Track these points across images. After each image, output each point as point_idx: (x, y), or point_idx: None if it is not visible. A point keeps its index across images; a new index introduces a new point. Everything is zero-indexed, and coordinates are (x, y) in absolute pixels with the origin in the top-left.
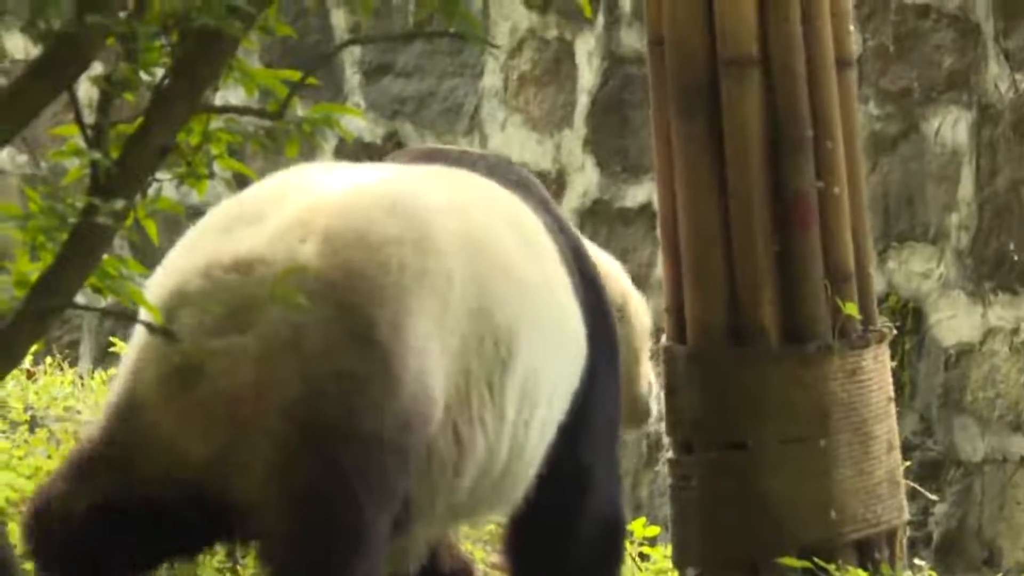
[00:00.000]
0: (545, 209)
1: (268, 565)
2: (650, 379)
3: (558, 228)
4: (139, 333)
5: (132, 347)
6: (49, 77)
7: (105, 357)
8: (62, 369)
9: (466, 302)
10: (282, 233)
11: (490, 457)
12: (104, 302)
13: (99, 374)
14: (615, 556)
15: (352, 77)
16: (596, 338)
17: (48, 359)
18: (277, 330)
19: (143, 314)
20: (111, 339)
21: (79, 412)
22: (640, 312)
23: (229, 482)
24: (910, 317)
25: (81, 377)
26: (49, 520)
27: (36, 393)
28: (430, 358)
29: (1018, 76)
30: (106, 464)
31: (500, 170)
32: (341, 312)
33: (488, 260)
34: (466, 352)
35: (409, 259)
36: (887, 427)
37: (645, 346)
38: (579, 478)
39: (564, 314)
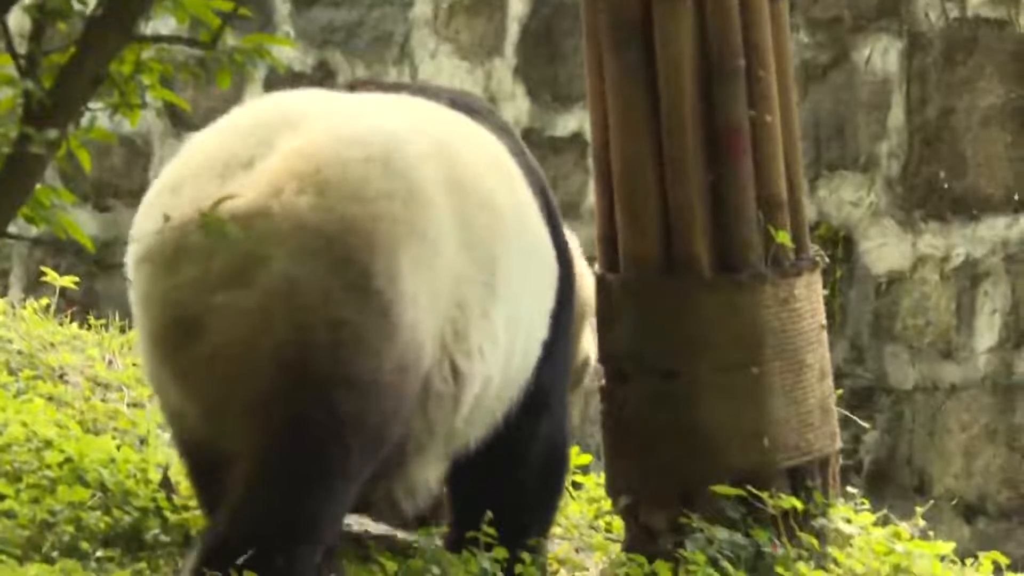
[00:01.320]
0: (509, 137)
1: (234, 503)
2: (588, 353)
3: (521, 154)
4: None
5: (135, 307)
6: None
7: (36, 286)
8: None
9: (454, 243)
10: (278, 184)
11: (486, 384)
12: (35, 231)
13: (30, 303)
14: (559, 484)
15: (282, 7)
16: (562, 262)
17: None
18: (275, 284)
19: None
20: (42, 268)
21: (10, 342)
22: (587, 283)
23: (224, 436)
24: (841, 245)
25: (13, 306)
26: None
27: None
28: (422, 305)
29: (948, 4)
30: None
31: (464, 102)
32: (337, 264)
33: (471, 198)
34: (459, 289)
35: (401, 212)
36: (819, 355)
37: (588, 317)
38: (539, 402)
39: (537, 238)
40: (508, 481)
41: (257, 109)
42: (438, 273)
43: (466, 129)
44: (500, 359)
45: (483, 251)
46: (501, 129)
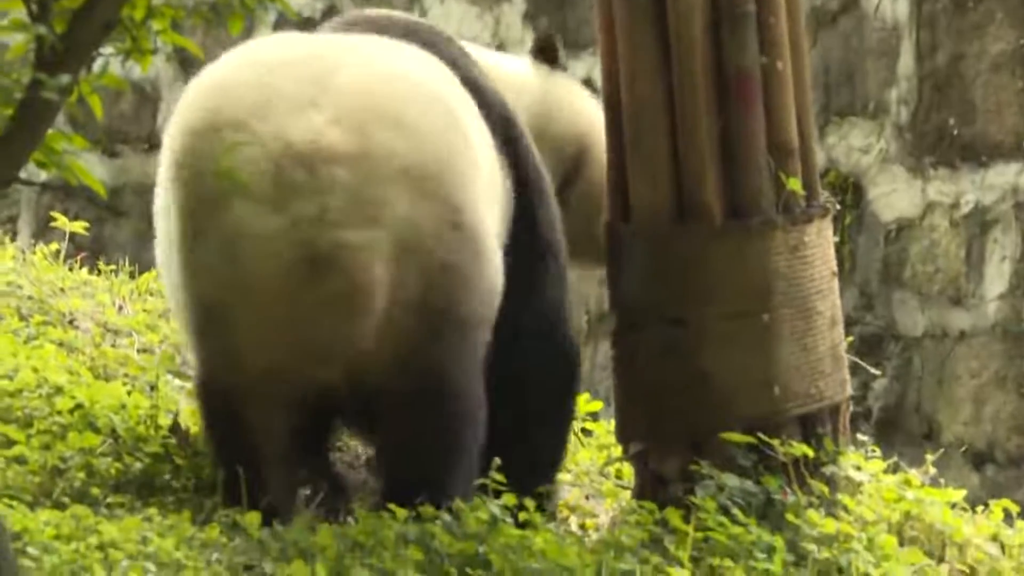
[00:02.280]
0: (465, 67)
1: (390, 444)
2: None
3: (477, 85)
4: (195, 221)
5: (200, 242)
6: None
7: (44, 232)
8: (2, 244)
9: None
10: (359, 123)
11: None
12: (44, 176)
13: (40, 249)
14: (562, 415)
15: None
16: (524, 190)
17: None
18: (404, 227)
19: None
20: (51, 214)
21: (20, 287)
22: (599, 154)
23: (348, 365)
24: (850, 192)
25: (23, 252)
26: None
27: None
28: (493, 232)
29: None
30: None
31: (416, 34)
32: (439, 202)
33: (482, 142)
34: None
35: (462, 143)
36: (830, 302)
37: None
38: (523, 329)
39: (493, 167)
40: (511, 415)
41: (278, 45)
42: (489, 205)
43: (442, 68)
44: None
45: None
46: (455, 59)
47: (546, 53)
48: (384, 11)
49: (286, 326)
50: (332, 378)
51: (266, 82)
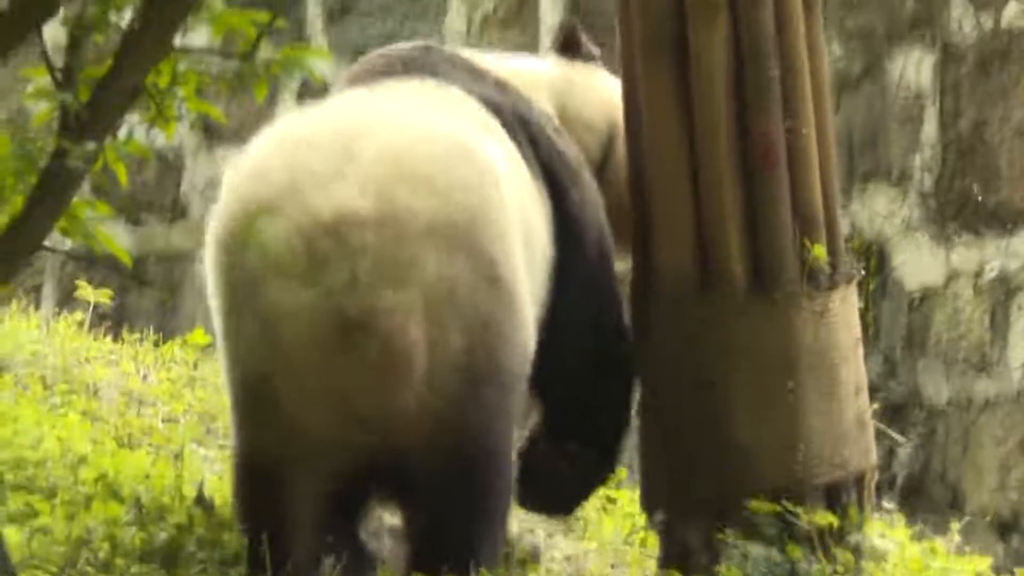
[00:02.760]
0: (474, 89)
1: (423, 507)
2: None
3: (498, 106)
4: (236, 301)
5: (242, 322)
6: (20, 19)
7: (68, 301)
8: (27, 314)
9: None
10: (386, 188)
11: None
12: (68, 245)
13: (64, 318)
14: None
15: (315, 18)
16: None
17: (13, 303)
18: (437, 285)
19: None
20: (75, 283)
21: (45, 356)
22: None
23: (389, 429)
24: (874, 259)
25: (47, 321)
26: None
27: (2, 338)
28: (525, 283)
29: (982, 15)
30: (264, 471)
31: (424, 63)
32: (475, 258)
33: (514, 180)
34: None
35: (495, 195)
36: (854, 370)
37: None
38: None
39: (529, 195)
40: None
41: (306, 123)
42: (520, 246)
43: (472, 107)
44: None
45: (526, 228)
46: (465, 81)
47: (569, 45)
48: (390, 49)
49: (327, 395)
50: (373, 442)
51: (296, 163)
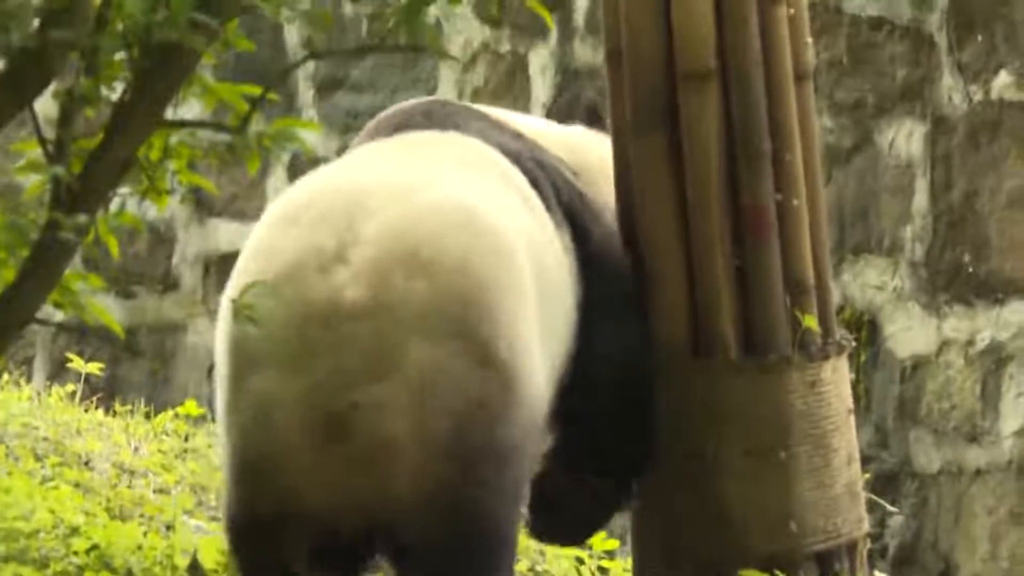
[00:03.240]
0: (511, 137)
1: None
2: None
3: (532, 159)
4: (236, 378)
5: (238, 402)
6: (12, 92)
7: (59, 373)
8: (19, 385)
9: (535, 293)
10: (384, 272)
11: None
12: (59, 317)
13: (56, 390)
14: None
15: (305, 91)
16: (585, 250)
17: (5, 375)
18: (421, 374)
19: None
20: (67, 355)
21: (36, 428)
22: None
23: (382, 518)
24: (865, 329)
25: (39, 393)
26: None
27: None
28: (535, 356)
29: (972, 88)
30: (258, 531)
31: (455, 116)
32: (464, 341)
33: (531, 246)
34: (542, 340)
35: (499, 274)
36: (847, 439)
37: None
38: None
39: (550, 261)
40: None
41: (310, 196)
42: (533, 319)
43: (491, 162)
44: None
45: (542, 297)
46: (486, 133)
47: (592, 117)
48: (410, 103)
49: (320, 478)
50: (364, 525)
51: (301, 243)
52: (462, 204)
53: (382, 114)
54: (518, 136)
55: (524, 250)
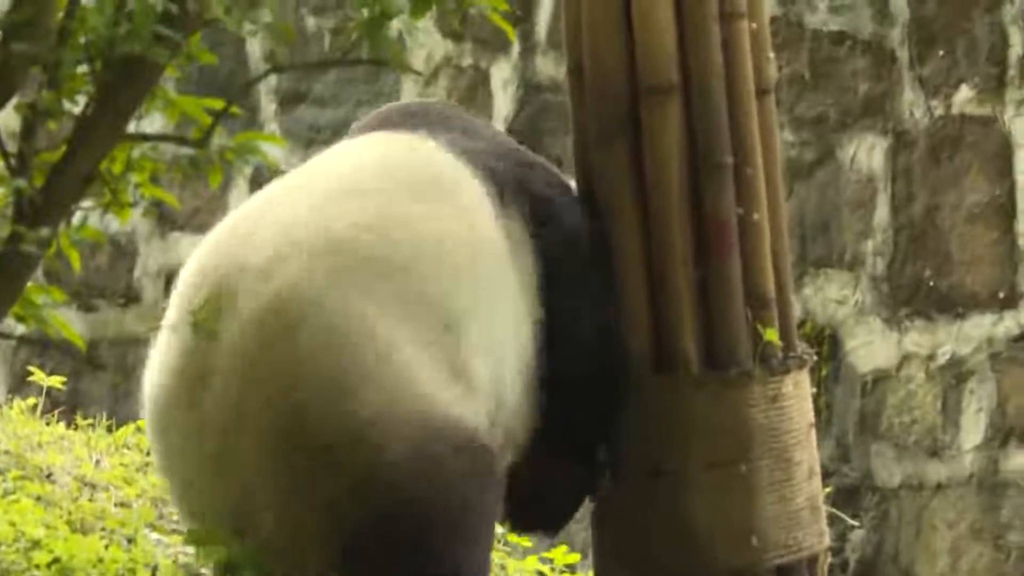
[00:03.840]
0: (484, 141)
1: None
2: None
3: (476, 154)
4: None
5: None
6: None
7: (21, 386)
8: None
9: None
10: (256, 345)
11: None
12: (20, 330)
13: (17, 403)
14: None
15: (268, 105)
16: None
17: None
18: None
19: None
20: (28, 368)
21: None
22: None
23: None
24: (826, 343)
25: (0, 406)
26: None
27: None
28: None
29: (933, 102)
30: None
31: (431, 116)
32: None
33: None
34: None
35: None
36: (808, 453)
37: None
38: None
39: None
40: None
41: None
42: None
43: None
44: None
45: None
46: (451, 129)
47: None
48: (393, 104)
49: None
50: None
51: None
52: (331, 245)
53: (375, 111)
54: (498, 137)
55: (403, 268)
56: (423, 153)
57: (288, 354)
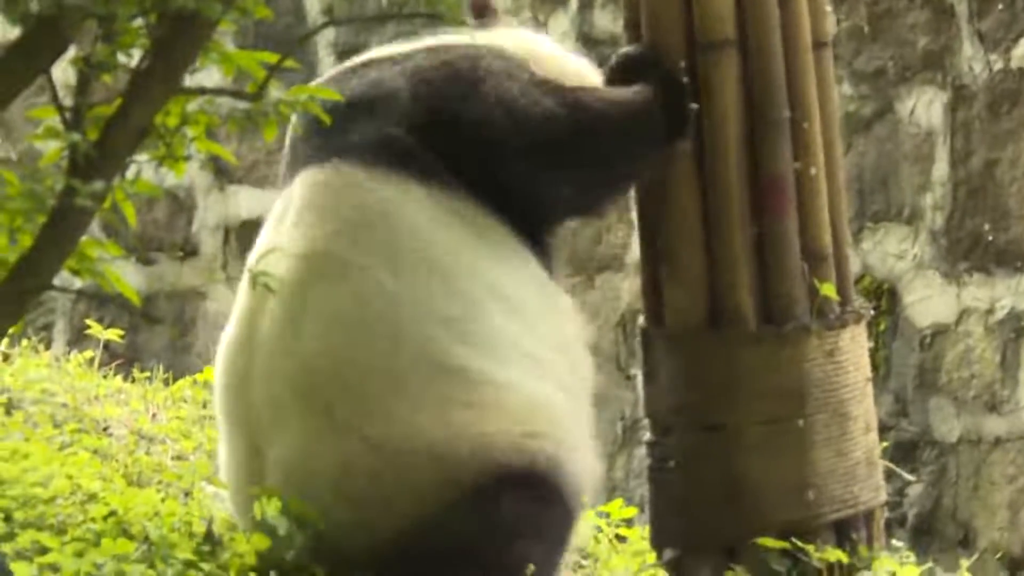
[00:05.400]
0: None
1: None
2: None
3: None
4: None
5: None
6: (28, 59)
7: (79, 339)
8: (37, 351)
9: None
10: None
11: None
12: (78, 284)
13: (75, 356)
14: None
15: (326, 59)
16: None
17: (23, 341)
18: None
19: None
20: (86, 321)
21: (55, 395)
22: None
23: None
24: (885, 298)
25: (57, 359)
26: None
27: (12, 375)
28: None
29: (992, 57)
30: None
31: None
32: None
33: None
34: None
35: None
36: (865, 408)
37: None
38: None
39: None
40: None
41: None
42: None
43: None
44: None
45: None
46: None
47: (481, 10)
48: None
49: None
50: None
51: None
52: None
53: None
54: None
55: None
56: (359, 203)
57: None
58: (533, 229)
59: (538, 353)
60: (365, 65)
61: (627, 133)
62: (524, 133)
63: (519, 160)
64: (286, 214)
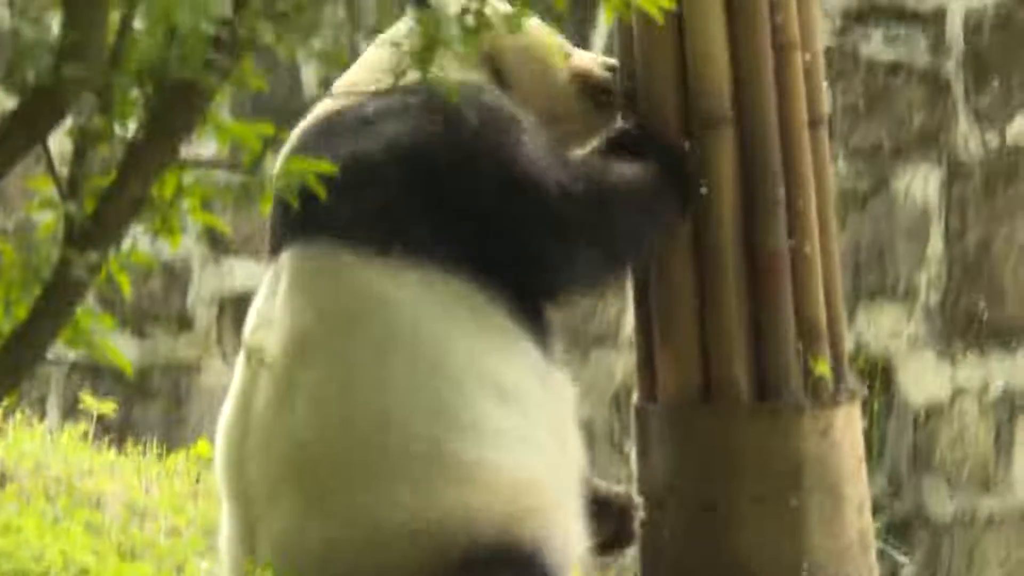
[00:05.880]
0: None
1: None
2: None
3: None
4: None
5: None
6: (25, 129)
7: (73, 412)
8: (31, 424)
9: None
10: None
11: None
12: (72, 356)
13: (68, 429)
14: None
15: None
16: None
17: (17, 414)
18: None
19: None
20: (79, 394)
21: (48, 468)
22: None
23: None
24: (879, 375)
25: (51, 432)
26: None
27: (5, 448)
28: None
29: (988, 134)
30: None
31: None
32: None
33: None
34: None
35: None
36: (858, 488)
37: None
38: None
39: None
40: None
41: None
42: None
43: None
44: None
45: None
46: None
47: None
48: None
49: None
50: None
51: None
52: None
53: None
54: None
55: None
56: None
57: None
58: (531, 305)
59: (529, 436)
60: (333, 122)
61: (644, 211)
62: (536, 204)
63: (527, 233)
64: (275, 291)
